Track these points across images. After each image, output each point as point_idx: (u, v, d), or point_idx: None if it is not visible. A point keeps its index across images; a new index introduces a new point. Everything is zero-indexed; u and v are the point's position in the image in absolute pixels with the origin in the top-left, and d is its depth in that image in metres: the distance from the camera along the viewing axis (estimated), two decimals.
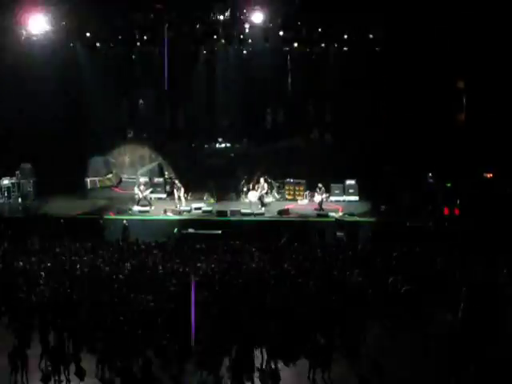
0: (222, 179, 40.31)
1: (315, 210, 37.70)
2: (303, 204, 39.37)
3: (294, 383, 21.79)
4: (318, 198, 37.83)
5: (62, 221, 35.23)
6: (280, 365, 22.61)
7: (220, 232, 34.08)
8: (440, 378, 21.79)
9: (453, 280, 27.24)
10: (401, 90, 38.15)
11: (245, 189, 39.79)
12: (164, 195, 40.34)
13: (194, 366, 22.28)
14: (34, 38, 39.03)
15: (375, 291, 26.19)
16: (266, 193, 39.22)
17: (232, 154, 42.60)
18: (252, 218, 36.37)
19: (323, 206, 37.75)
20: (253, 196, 38.65)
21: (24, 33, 38.56)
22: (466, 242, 31.45)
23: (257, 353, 22.80)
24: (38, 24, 38.07)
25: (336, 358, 22.38)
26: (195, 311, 24.07)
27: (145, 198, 37.86)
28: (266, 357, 22.68)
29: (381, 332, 25.06)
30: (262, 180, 38.65)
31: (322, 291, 26.14)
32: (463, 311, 24.90)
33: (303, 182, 40.15)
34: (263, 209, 37.60)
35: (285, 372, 22.32)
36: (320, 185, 38.00)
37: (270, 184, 39.86)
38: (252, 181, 39.76)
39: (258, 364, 22.58)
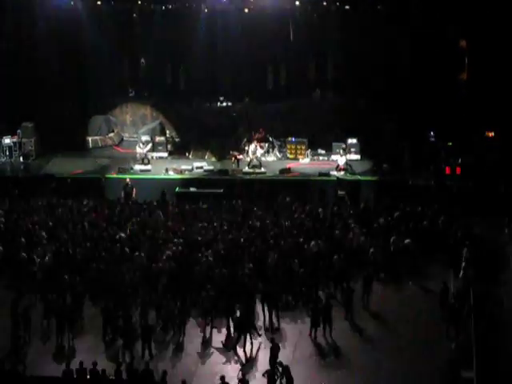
0: (223, 138, 40.23)
1: (340, 170, 36.93)
2: (305, 163, 39.30)
3: (295, 341, 22.08)
4: (342, 159, 37.51)
5: (68, 180, 35.50)
6: (282, 323, 22.96)
7: (221, 191, 34.28)
8: (439, 333, 22.19)
9: (454, 239, 27.44)
10: (403, 48, 38.00)
11: (246, 147, 39.64)
12: (165, 154, 40.18)
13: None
14: None
15: (377, 249, 26.44)
16: (268, 152, 39.25)
17: (234, 113, 42.44)
18: (253, 176, 36.43)
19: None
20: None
21: None
22: (468, 201, 31.62)
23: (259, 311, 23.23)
24: None
25: (337, 316, 22.70)
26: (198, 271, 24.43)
27: (145, 156, 37.86)
28: (267, 315, 23.03)
29: (382, 289, 25.43)
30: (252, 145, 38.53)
31: (323, 250, 26.38)
32: (465, 269, 25.18)
33: (305, 140, 40.02)
34: (263, 168, 37.50)
35: (287, 330, 22.63)
36: (344, 145, 38.19)
37: (271, 143, 39.80)
38: (253, 140, 39.58)
39: (260, 322, 22.96)
